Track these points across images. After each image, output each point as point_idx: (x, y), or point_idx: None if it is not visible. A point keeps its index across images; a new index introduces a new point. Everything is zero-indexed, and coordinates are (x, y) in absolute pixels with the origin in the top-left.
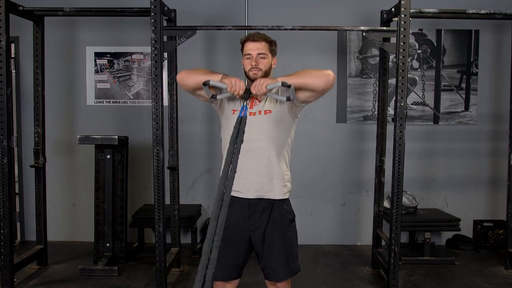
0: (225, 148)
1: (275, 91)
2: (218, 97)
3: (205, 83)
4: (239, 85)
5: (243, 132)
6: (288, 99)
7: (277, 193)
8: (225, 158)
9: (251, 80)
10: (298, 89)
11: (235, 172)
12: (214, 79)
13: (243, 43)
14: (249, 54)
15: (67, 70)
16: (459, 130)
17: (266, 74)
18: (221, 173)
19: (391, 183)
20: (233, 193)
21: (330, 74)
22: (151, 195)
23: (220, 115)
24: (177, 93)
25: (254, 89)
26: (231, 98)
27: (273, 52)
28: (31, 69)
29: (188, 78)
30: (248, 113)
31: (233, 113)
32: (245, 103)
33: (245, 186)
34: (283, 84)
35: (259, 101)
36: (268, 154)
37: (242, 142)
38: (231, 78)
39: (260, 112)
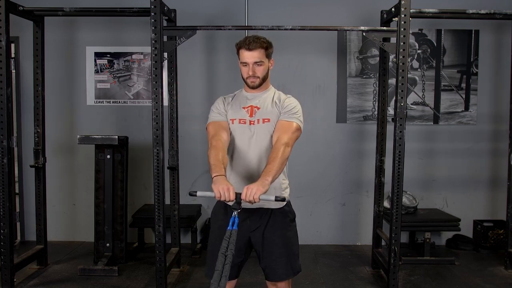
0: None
1: (265, 191)
2: (198, 194)
3: (191, 194)
4: (228, 195)
5: (234, 245)
6: (277, 199)
7: (274, 203)
8: (216, 265)
9: (250, 87)
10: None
11: (226, 280)
12: (202, 192)
13: (238, 49)
14: (245, 63)
15: (67, 70)
16: (459, 130)
17: (263, 80)
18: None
19: (391, 183)
20: (231, 203)
21: (286, 157)
22: (151, 195)
23: None
24: (177, 93)
25: (246, 198)
26: (228, 107)
27: (269, 56)
28: (31, 69)
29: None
30: (248, 122)
31: (232, 123)
32: (234, 214)
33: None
34: (277, 199)
35: (258, 109)
36: (265, 163)
37: (233, 254)
38: (219, 185)
39: (258, 120)
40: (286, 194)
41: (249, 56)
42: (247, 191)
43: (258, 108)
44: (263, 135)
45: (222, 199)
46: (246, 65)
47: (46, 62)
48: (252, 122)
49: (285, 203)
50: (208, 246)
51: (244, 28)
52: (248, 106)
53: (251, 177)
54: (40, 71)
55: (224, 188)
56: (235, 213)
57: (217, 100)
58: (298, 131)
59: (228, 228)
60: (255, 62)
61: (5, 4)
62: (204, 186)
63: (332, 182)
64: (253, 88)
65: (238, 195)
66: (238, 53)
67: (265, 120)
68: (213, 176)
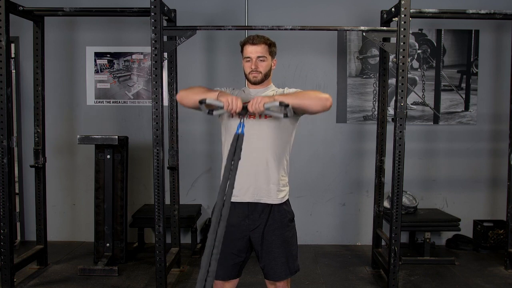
0: (224, 151)
1: (272, 108)
2: (215, 113)
3: (201, 102)
4: (236, 103)
5: (240, 149)
6: (286, 116)
7: (273, 197)
8: (223, 173)
9: (251, 83)
10: (294, 108)
11: (233, 188)
12: (211, 97)
13: (242, 46)
14: (248, 57)
15: (67, 70)
16: (459, 130)
17: (266, 77)
18: (220, 183)
19: (391, 183)
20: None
21: (328, 99)
22: (151, 195)
23: (219, 119)
24: (177, 93)
25: (251, 107)
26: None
27: (272, 54)
28: (31, 69)
29: (186, 97)
30: (247, 116)
31: (232, 117)
32: (242, 121)
33: (242, 190)
34: (281, 103)
35: (254, 118)
36: (266, 158)
37: (240, 159)
38: (228, 96)
39: (260, 116)
40: (285, 191)
41: (253, 50)
42: (253, 100)
43: (254, 118)
44: (264, 131)
45: (230, 108)
46: (249, 60)
47: (46, 62)
48: (251, 116)
49: (283, 195)
50: None
51: (244, 28)
52: (249, 101)
53: (251, 173)
54: (40, 71)
55: (232, 98)
56: (242, 120)
57: (228, 87)
58: None
59: (236, 132)
60: (258, 57)
61: (5, 4)
62: (204, 186)
63: (332, 182)
64: (255, 83)
65: (244, 106)
66: (242, 51)
67: (267, 116)
68: (217, 92)
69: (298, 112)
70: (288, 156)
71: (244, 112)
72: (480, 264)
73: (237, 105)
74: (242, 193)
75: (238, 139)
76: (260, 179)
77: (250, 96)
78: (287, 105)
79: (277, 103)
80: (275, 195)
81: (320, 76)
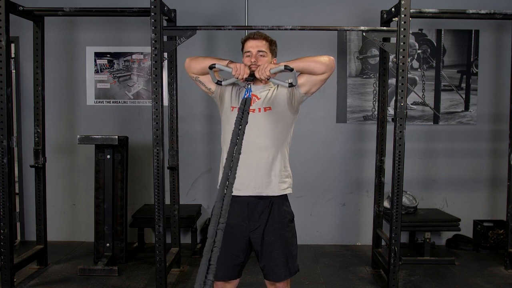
0: (224, 143)
1: (278, 78)
2: (223, 83)
3: (211, 67)
4: (244, 69)
5: (248, 113)
6: (291, 85)
7: (275, 189)
8: (231, 139)
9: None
10: (300, 73)
11: (239, 153)
12: (220, 64)
13: (243, 42)
14: (249, 51)
15: (67, 70)
16: (459, 130)
17: None
18: (223, 159)
19: (391, 183)
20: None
21: (331, 60)
22: (151, 195)
23: (220, 111)
24: (177, 93)
25: (258, 73)
26: (232, 93)
27: (273, 52)
28: (31, 69)
29: (195, 62)
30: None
31: (232, 110)
32: (249, 86)
33: (244, 184)
34: (286, 67)
35: (258, 99)
36: (267, 151)
37: (247, 123)
38: (236, 63)
39: (260, 109)
40: (288, 183)
41: (253, 45)
42: (259, 67)
43: (258, 98)
44: (264, 123)
45: (237, 74)
46: (249, 55)
47: (46, 62)
48: (252, 110)
49: (286, 186)
50: None
51: (244, 28)
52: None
53: (252, 166)
54: (40, 71)
55: (241, 65)
56: (249, 85)
57: None
58: None
59: (243, 97)
60: (259, 51)
61: (5, 4)
62: (204, 186)
63: (332, 182)
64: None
65: (251, 72)
66: (242, 48)
67: (267, 109)
68: (227, 61)
69: (303, 84)
70: (288, 147)
71: (251, 78)
72: (480, 264)
73: (245, 71)
74: (244, 186)
75: (245, 103)
76: (261, 171)
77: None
78: (291, 69)
79: (282, 67)
80: (276, 186)
81: None
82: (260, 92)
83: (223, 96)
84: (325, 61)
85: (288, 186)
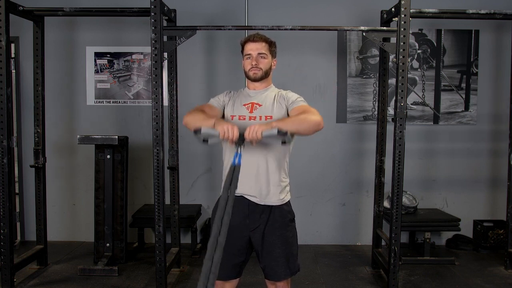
0: (225, 153)
1: (268, 131)
2: (210, 142)
3: (196, 131)
4: (232, 132)
5: (237, 180)
6: (284, 142)
7: (274, 199)
8: (219, 203)
9: (252, 80)
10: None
11: (229, 216)
12: (206, 126)
13: (243, 44)
14: (249, 54)
15: (67, 70)
16: (459, 130)
17: (266, 74)
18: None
19: (391, 183)
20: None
21: (321, 123)
22: (151, 195)
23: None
24: (177, 93)
25: (248, 136)
26: (236, 103)
27: (273, 53)
28: (31, 69)
29: (190, 123)
30: (248, 118)
31: (232, 119)
32: (239, 150)
33: (246, 187)
34: (279, 132)
35: (260, 105)
36: (266, 160)
37: (236, 188)
38: (224, 125)
39: (260, 117)
40: (286, 192)
41: (253, 47)
42: (250, 129)
43: (260, 105)
44: None
45: (226, 137)
46: (249, 58)
47: (46, 62)
48: (252, 118)
49: (284, 196)
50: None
51: (244, 28)
52: (249, 103)
53: (252, 176)
54: (40, 71)
55: (228, 126)
56: (238, 149)
57: (223, 92)
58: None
59: (232, 164)
60: (259, 54)
61: (5, 4)
62: (204, 186)
63: (332, 182)
64: (255, 80)
65: (241, 134)
66: (242, 50)
67: (267, 117)
68: (213, 121)
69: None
70: (288, 158)
71: (241, 140)
72: (480, 264)
73: (234, 134)
74: (245, 190)
75: (234, 171)
76: (261, 181)
77: (249, 97)
78: (285, 133)
79: (275, 131)
80: (276, 196)
81: (320, 76)
82: (261, 98)
83: (226, 105)
84: (316, 126)
85: (285, 196)
